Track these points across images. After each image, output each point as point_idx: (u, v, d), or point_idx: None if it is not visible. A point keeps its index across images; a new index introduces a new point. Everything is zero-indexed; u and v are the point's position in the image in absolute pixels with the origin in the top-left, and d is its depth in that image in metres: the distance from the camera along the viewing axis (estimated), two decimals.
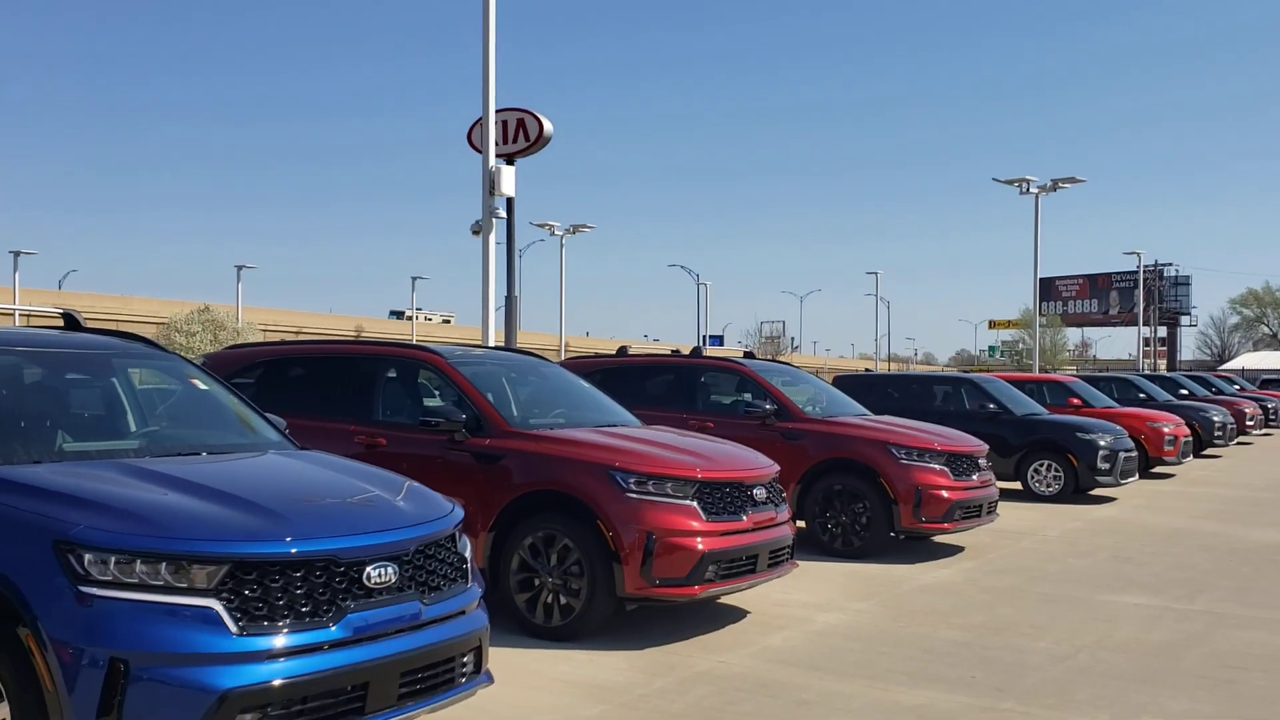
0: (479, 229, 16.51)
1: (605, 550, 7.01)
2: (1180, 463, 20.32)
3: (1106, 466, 15.93)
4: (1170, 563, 10.97)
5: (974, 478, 10.99)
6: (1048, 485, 16.14)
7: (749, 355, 13.00)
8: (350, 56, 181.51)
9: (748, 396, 11.55)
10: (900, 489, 10.51)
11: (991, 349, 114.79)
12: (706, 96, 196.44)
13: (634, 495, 7.05)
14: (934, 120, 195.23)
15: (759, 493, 7.63)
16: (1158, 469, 20.49)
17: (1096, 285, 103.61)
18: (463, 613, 4.78)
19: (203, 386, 5.97)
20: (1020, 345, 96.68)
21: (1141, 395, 24.78)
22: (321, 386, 8.68)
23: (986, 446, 11.64)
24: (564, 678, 6.47)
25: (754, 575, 7.52)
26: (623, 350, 12.96)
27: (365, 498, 4.80)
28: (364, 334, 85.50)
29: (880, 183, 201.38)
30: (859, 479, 10.73)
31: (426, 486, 5.31)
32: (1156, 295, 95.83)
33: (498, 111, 27.72)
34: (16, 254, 48.87)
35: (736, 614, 8.17)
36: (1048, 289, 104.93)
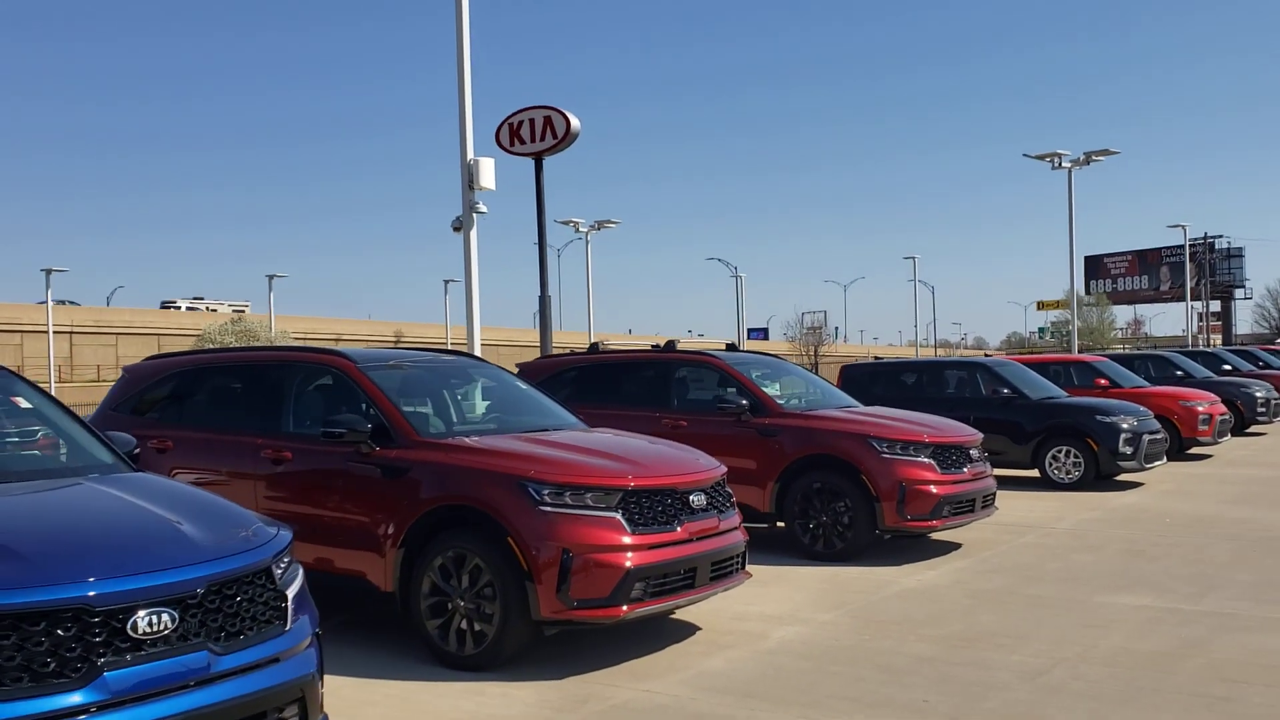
0: (459, 225, 15.89)
1: (518, 570, 6.32)
2: (1217, 443, 19.29)
3: (1129, 450, 14.98)
4: (1185, 556, 10.09)
5: (965, 470, 10.17)
6: (1067, 472, 15.22)
7: (731, 348, 12.26)
8: (381, 72, 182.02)
9: (723, 392, 10.81)
10: (882, 485, 9.72)
11: (1041, 330, 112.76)
12: (743, 91, 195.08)
13: (548, 508, 6.36)
14: (978, 101, 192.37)
15: (697, 499, 6.90)
16: (1193, 450, 19.48)
17: (1146, 261, 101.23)
18: (276, 660, 4.11)
19: (25, 405, 5.35)
20: (1069, 325, 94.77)
21: (1179, 373, 23.65)
22: (231, 397, 8.10)
23: (979, 436, 10.79)
24: (467, 716, 5.79)
25: (693, 591, 6.80)
26: (595, 347, 12.27)
27: (152, 531, 4.14)
28: (403, 339, 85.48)
29: (922, 168, 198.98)
30: (839, 476, 9.96)
31: (262, 510, 4.65)
32: (1207, 269, 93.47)
33: (524, 109, 27.25)
34: (48, 271, 49.04)
35: (684, 631, 7.45)
36: (1096, 267, 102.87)
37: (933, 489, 9.79)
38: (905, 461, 9.80)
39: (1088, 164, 37.97)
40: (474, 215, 15.81)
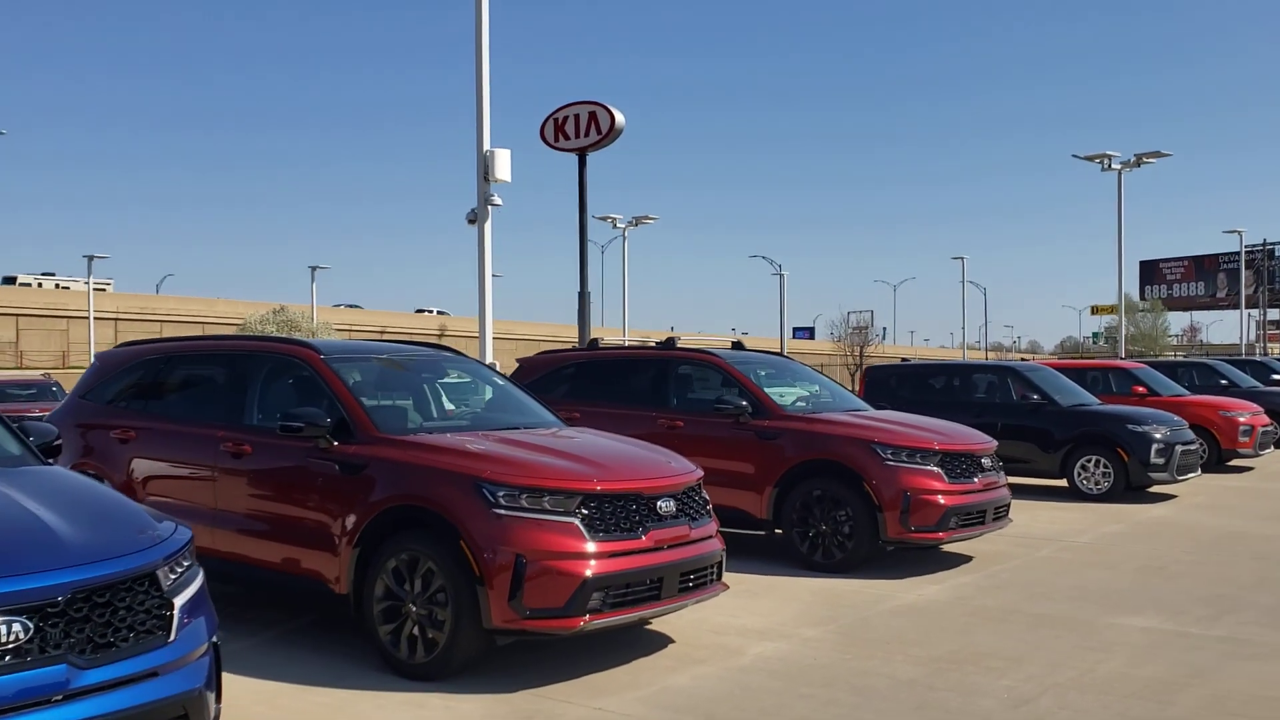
0: (474, 217, 15.59)
1: (469, 576, 5.99)
2: (1259, 455, 18.58)
3: (1161, 461, 14.37)
4: (1207, 574, 9.55)
5: (975, 480, 9.68)
6: (1096, 483, 14.64)
7: (738, 346, 11.84)
8: (431, 62, 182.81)
9: (722, 392, 10.41)
10: (885, 494, 9.27)
11: (1095, 335, 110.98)
12: (795, 98, 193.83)
13: (503, 511, 6.02)
14: (1036, 105, 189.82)
15: (665, 505, 6.52)
16: (1233, 462, 18.78)
17: (1203, 267, 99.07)
18: (154, 674, 3.80)
19: None
20: (1127, 330, 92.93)
21: (1223, 382, 22.84)
22: (196, 387, 7.85)
23: (993, 443, 10.30)
24: None
25: (659, 603, 6.43)
26: (594, 343, 11.92)
27: (16, 533, 3.83)
28: (447, 332, 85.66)
29: (977, 170, 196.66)
30: (840, 483, 9.52)
31: (159, 508, 4.33)
32: (1266, 276, 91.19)
33: (569, 105, 27.05)
34: (90, 258, 49.55)
35: (655, 643, 7.08)
36: (1151, 272, 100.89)
37: (940, 499, 9.33)
38: (911, 469, 9.35)
39: (1138, 166, 37.01)
40: (489, 208, 15.50)
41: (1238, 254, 77.46)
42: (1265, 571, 9.70)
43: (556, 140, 28.61)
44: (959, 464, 9.62)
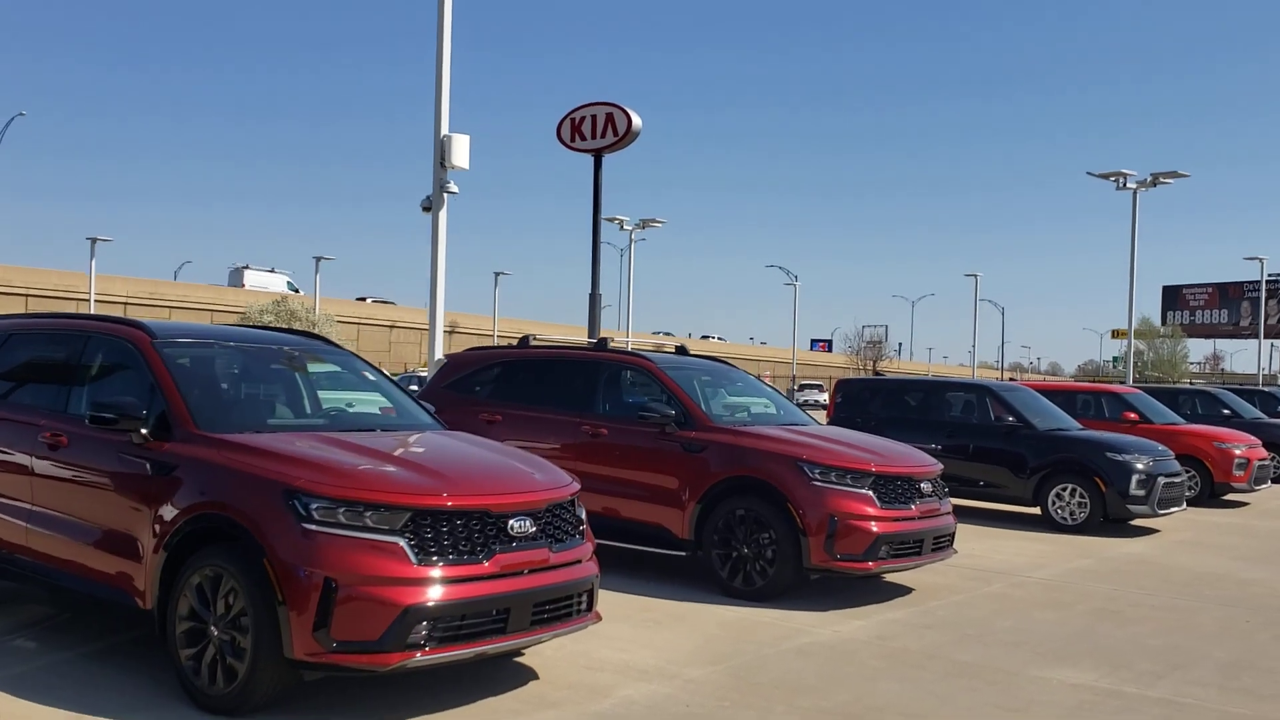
0: (429, 205, 14.84)
1: (272, 599, 5.21)
2: (1254, 490, 17.61)
3: (1141, 493, 13.47)
4: (1164, 622, 8.68)
5: (912, 506, 8.84)
6: (1071, 514, 13.74)
7: (681, 351, 11.03)
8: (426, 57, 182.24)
9: (648, 399, 9.61)
10: (810, 517, 8.45)
11: (1115, 359, 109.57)
12: (817, 106, 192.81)
13: (314, 526, 5.24)
14: (1064, 126, 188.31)
15: (520, 525, 5.70)
16: (1228, 496, 17.83)
17: (1227, 295, 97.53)
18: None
19: None
20: (1145, 355, 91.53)
21: (1225, 411, 21.87)
22: (22, 370, 7.09)
23: (937, 466, 9.45)
24: None
25: (505, 637, 5.59)
26: (525, 340, 11.13)
27: None
28: (458, 329, 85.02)
29: (1000, 184, 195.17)
30: (765, 502, 8.70)
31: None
32: None
33: (586, 105, 26.34)
34: (94, 240, 49.14)
35: (512, 679, 6.28)
36: (1174, 298, 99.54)
37: (870, 525, 8.49)
38: (839, 491, 8.52)
39: (1154, 186, 35.86)
40: (445, 195, 14.75)
41: (1267, 282, 76.07)
42: (1229, 621, 8.82)
43: (573, 140, 27.97)
44: (895, 488, 8.79)
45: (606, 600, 8.33)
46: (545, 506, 5.95)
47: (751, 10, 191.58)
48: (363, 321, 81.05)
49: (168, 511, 5.66)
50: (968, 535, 12.79)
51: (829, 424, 16.13)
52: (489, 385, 10.68)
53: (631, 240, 49.93)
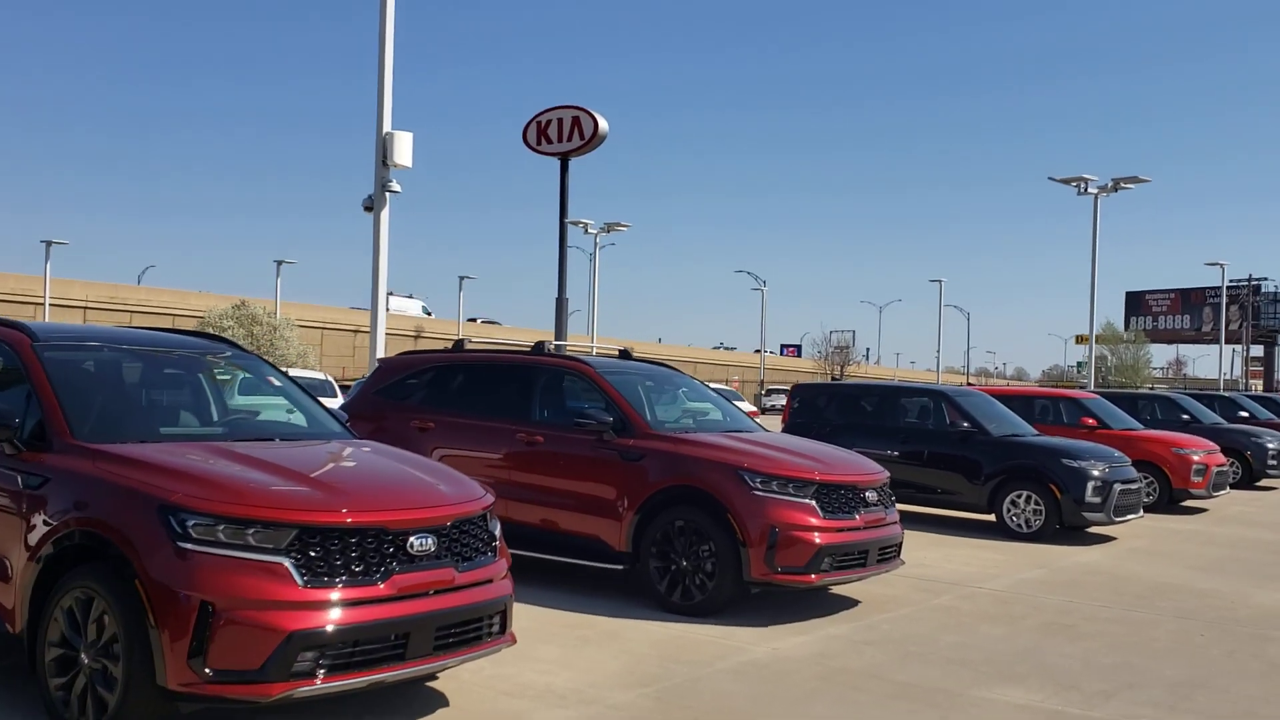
0: (370, 204, 14.40)
1: (143, 624, 4.78)
2: (1213, 496, 17.41)
3: (1097, 500, 13.20)
4: (1118, 636, 8.37)
5: (856, 516, 8.49)
6: (1026, 521, 13.46)
7: (625, 355, 10.64)
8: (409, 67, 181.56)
9: (585, 405, 9.22)
10: (751, 527, 8.08)
11: (1079, 365, 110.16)
12: (782, 104, 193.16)
13: (191, 545, 4.81)
14: (1030, 131, 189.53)
15: (421, 543, 5.29)
16: (1186, 503, 17.63)
17: (1189, 300, 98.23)
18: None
19: None
20: (1108, 361, 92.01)
21: (1184, 416, 21.73)
22: None
23: (883, 474, 9.11)
24: None
25: (403, 664, 5.17)
26: (459, 344, 10.71)
27: None
28: (423, 334, 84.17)
29: (966, 195, 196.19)
30: (704, 513, 8.32)
31: None
32: (1250, 311, 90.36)
33: (552, 109, 25.90)
34: (49, 244, 48.23)
35: (419, 705, 5.87)
36: (1137, 303, 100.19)
37: (814, 537, 8.13)
38: (780, 501, 8.16)
39: (1116, 191, 35.84)
40: (386, 194, 14.31)
41: (1227, 288, 76.58)
42: (1185, 635, 8.53)
43: (539, 144, 27.56)
44: (839, 496, 8.43)
45: (536, 617, 7.96)
46: (451, 522, 5.54)
47: (711, 12, 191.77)
48: (327, 325, 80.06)
49: (39, 528, 5.22)
50: (921, 543, 12.50)
51: (784, 429, 15.83)
52: (422, 391, 10.26)
53: (596, 244, 49.54)
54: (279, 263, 59.80)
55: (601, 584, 9.22)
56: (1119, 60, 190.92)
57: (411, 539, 5.29)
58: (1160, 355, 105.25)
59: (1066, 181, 36.22)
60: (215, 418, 6.70)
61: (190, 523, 4.84)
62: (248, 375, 7.04)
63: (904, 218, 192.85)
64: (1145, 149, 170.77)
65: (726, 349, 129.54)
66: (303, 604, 4.85)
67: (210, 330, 49.49)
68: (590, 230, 48.31)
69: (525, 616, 7.99)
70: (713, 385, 37.47)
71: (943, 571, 10.83)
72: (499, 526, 6.01)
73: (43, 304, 52.43)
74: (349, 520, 5.09)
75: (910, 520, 14.47)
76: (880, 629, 8.24)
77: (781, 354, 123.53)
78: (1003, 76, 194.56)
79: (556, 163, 23.25)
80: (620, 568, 8.73)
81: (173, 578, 4.76)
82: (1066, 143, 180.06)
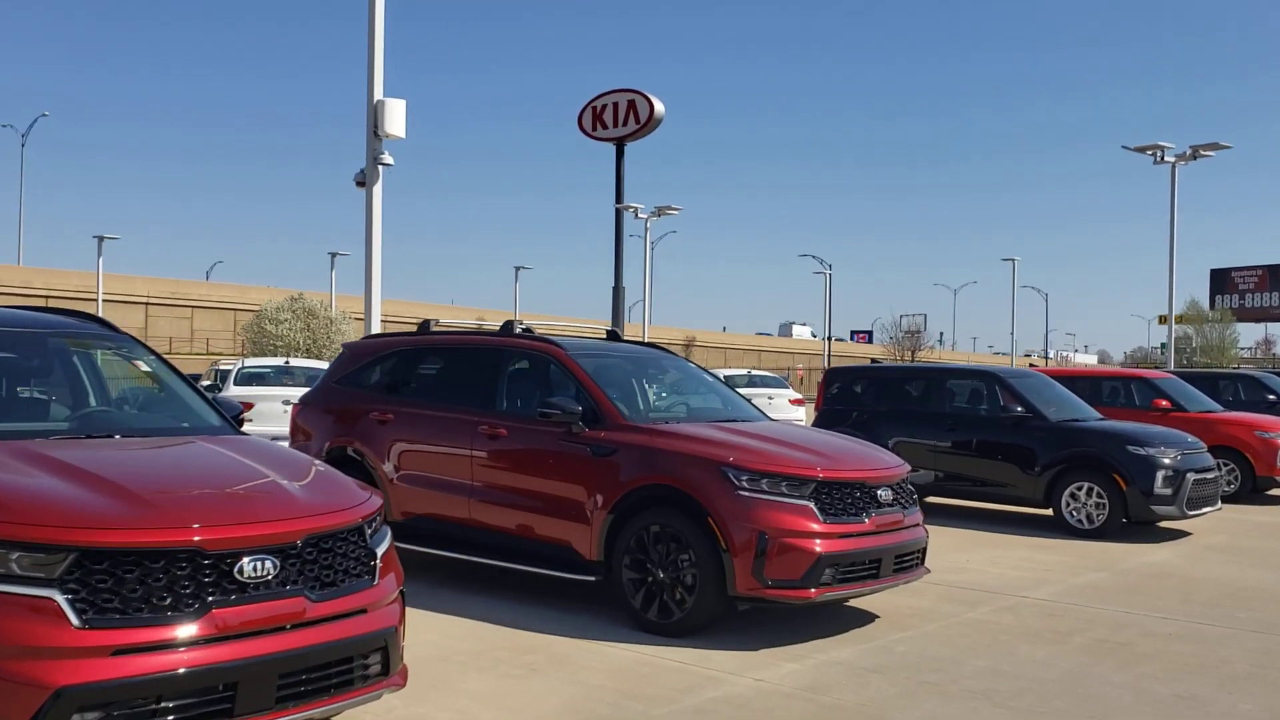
0: (363, 179, 13.35)
1: None
2: None
3: (1168, 492, 11.71)
4: (1184, 656, 6.98)
5: (866, 519, 7.19)
6: (1087, 516, 12.01)
7: (613, 336, 9.42)
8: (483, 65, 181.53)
9: (552, 394, 8.05)
10: (736, 533, 6.83)
11: (1163, 345, 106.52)
12: (846, 61, 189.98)
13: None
14: (1124, 110, 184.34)
15: (255, 566, 4.16)
16: (1273, 491, 15.98)
17: (1278, 277, 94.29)
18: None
19: None
20: (1193, 341, 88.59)
21: (1270, 397, 19.91)
22: None
23: (901, 468, 7.78)
24: None
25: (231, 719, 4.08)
26: (425, 326, 9.59)
27: None
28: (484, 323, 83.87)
29: (1040, 179, 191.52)
30: (684, 516, 7.09)
31: None
32: None
33: (608, 93, 24.83)
34: (100, 239, 48.13)
35: None
36: (1222, 281, 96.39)
37: (812, 544, 6.86)
38: (770, 502, 6.90)
39: (1194, 159, 33.75)
40: (379, 168, 13.25)
41: None
42: (1266, 655, 7.11)
43: (594, 129, 26.47)
44: (844, 496, 7.14)
45: (483, 637, 6.84)
46: (303, 539, 4.37)
47: (782, 18, 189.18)
48: (386, 318, 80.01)
49: None
50: (964, 543, 11.18)
51: (818, 418, 14.51)
52: (385, 378, 9.16)
53: (647, 228, 48.31)
54: (333, 255, 59.43)
55: (577, 597, 8.05)
56: (1196, 19, 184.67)
57: (245, 560, 4.15)
58: (1248, 335, 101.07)
59: (1142, 150, 34.19)
60: (75, 409, 5.63)
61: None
62: (121, 359, 5.94)
63: (982, 197, 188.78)
64: (1226, 111, 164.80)
65: (799, 325, 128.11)
66: (80, 650, 3.74)
67: (267, 324, 49.34)
68: (640, 215, 47.04)
69: (470, 637, 6.88)
70: (758, 373, 36.02)
71: (984, 577, 9.47)
72: (387, 539, 4.85)
73: (109, 301, 52.60)
74: (145, 540, 3.95)
75: (959, 516, 13.12)
76: (894, 651, 6.94)
77: (852, 340, 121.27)
78: (1077, 36, 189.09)
79: (610, 149, 22.15)
80: (592, 579, 7.54)
81: None
82: (1143, 107, 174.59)
